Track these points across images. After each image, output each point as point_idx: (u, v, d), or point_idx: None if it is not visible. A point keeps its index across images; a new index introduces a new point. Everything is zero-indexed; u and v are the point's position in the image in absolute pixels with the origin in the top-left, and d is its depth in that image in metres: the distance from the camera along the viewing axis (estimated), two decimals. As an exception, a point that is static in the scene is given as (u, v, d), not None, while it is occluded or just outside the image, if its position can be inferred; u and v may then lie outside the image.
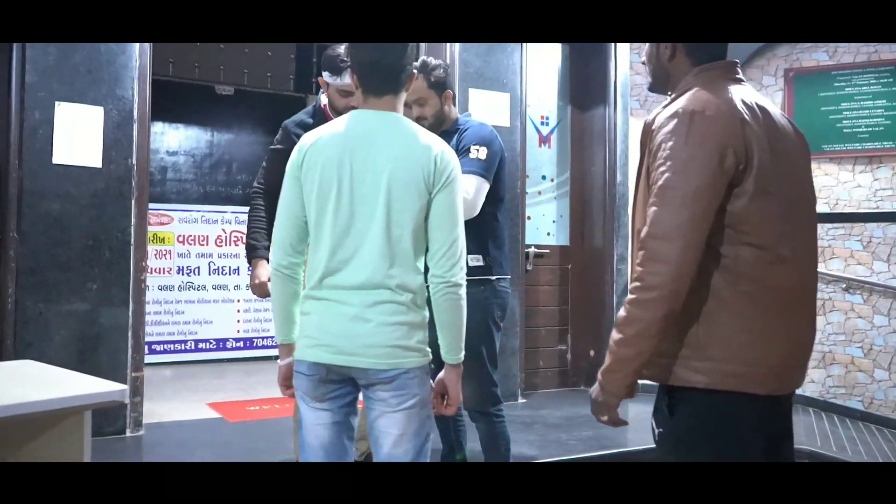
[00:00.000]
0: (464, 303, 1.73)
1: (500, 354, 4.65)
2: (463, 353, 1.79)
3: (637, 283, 1.46)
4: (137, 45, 3.60)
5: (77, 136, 3.45)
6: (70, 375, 1.82)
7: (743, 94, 1.54)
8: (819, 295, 4.00)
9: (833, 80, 4.67)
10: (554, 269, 5.08)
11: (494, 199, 2.59)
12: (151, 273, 5.40)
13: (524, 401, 4.61)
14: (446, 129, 2.66)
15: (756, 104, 1.53)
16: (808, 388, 4.54)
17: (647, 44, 1.68)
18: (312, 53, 6.62)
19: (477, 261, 2.55)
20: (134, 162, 3.59)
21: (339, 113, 2.58)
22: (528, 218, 4.92)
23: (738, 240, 1.46)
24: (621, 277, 4.95)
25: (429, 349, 1.74)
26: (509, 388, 4.53)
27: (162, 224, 5.83)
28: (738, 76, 1.59)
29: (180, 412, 4.15)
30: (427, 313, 1.74)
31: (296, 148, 1.76)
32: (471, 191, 2.48)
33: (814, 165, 3.99)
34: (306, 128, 2.53)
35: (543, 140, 5.07)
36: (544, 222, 5.05)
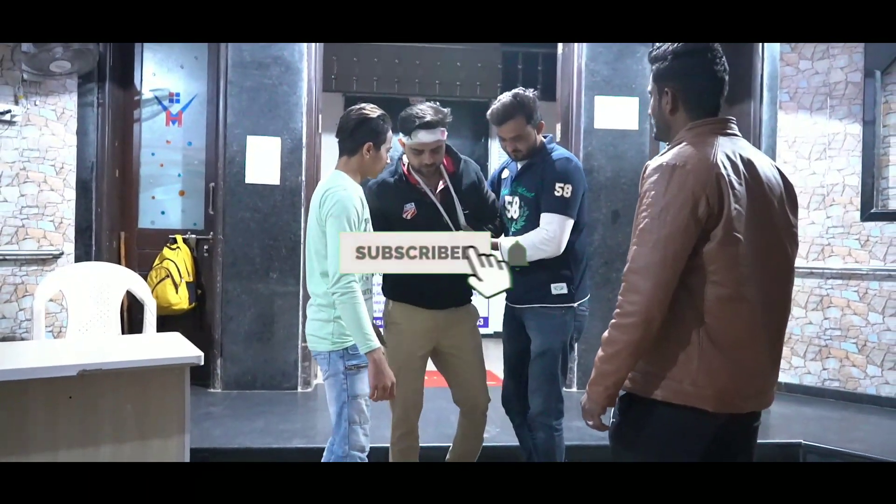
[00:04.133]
0: (345, 306, 2.30)
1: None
2: (367, 345, 2.30)
3: (617, 310, 1.70)
4: (305, 85, 4.56)
5: (262, 161, 4.53)
6: (177, 344, 2.76)
7: (730, 147, 1.72)
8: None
9: None
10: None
11: (576, 230, 2.66)
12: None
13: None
14: (532, 159, 2.72)
15: (741, 157, 1.72)
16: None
17: (652, 98, 1.87)
18: (498, 60, 7.26)
19: (561, 289, 2.65)
20: (303, 178, 4.58)
21: (416, 170, 2.70)
22: (668, 215, 5.08)
23: (706, 279, 1.65)
24: (764, 274, 4.88)
25: (340, 339, 2.39)
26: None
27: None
28: (728, 131, 1.77)
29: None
30: (334, 311, 2.37)
31: None
32: (555, 230, 2.57)
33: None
34: (382, 185, 2.70)
35: (686, 138, 5.14)
36: (685, 219, 5.13)
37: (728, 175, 1.66)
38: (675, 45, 1.81)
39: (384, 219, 2.65)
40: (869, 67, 4.54)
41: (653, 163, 1.73)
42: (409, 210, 2.67)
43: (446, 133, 2.66)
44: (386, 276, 2.79)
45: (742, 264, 1.66)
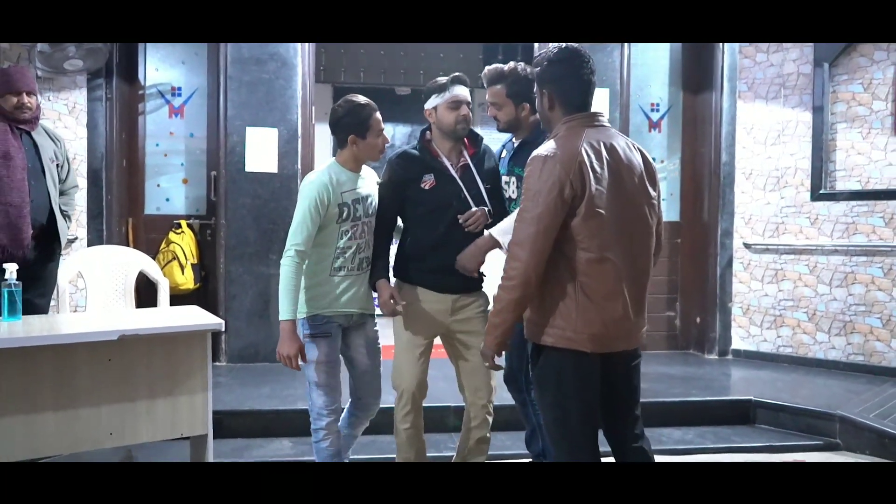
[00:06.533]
0: (281, 273, 2.57)
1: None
2: (281, 313, 2.53)
3: (503, 274, 2.08)
4: (299, 79, 4.90)
5: (260, 151, 4.87)
6: (197, 314, 3.12)
7: (595, 137, 2.08)
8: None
9: (949, 51, 4.56)
10: (664, 242, 5.56)
11: None
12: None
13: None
14: (526, 138, 2.80)
15: (605, 144, 2.08)
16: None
17: (537, 97, 2.20)
18: (479, 51, 7.62)
19: None
20: (299, 166, 4.93)
21: (452, 132, 2.69)
22: (638, 197, 5.50)
23: (576, 246, 2.04)
24: (725, 251, 5.32)
25: (302, 309, 2.63)
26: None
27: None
28: (596, 123, 2.14)
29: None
30: (302, 283, 2.63)
31: None
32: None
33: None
34: (403, 155, 2.73)
35: (654, 125, 5.55)
36: (654, 200, 5.55)
37: (590, 162, 2.03)
38: (550, 52, 2.17)
39: (402, 187, 2.71)
40: (818, 59, 4.96)
41: (532, 154, 2.10)
42: (428, 180, 2.69)
43: None
44: (397, 258, 2.82)
45: (605, 232, 2.04)
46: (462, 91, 2.69)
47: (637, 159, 2.17)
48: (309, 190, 2.61)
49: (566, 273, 2.07)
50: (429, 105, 2.71)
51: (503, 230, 2.53)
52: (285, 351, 2.55)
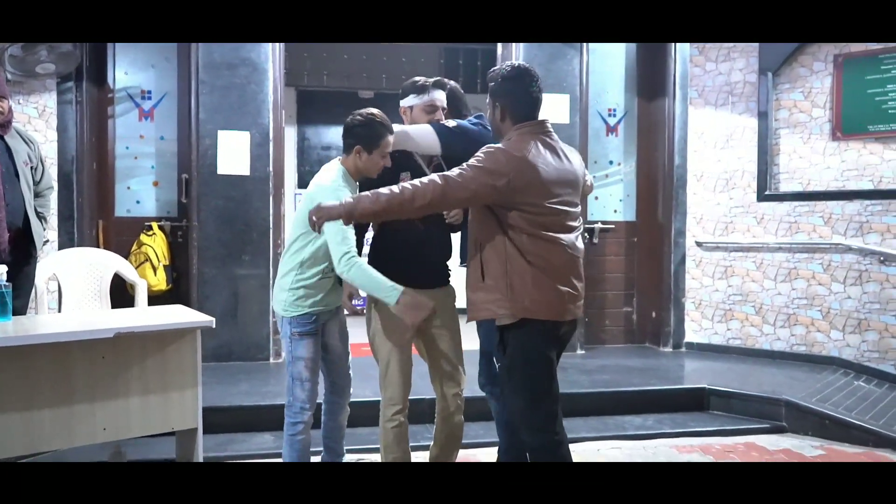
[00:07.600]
0: (357, 277, 2.59)
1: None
2: (394, 295, 2.55)
3: (409, 185, 2.28)
4: (270, 84, 5.01)
5: (232, 154, 4.96)
6: (185, 313, 3.23)
7: (542, 142, 2.35)
8: (857, 266, 4.78)
9: (880, 63, 4.92)
10: (621, 241, 5.86)
11: None
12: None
13: (582, 352, 5.52)
14: None
15: (552, 148, 2.38)
16: (844, 352, 4.97)
17: (489, 109, 2.45)
18: (441, 56, 7.80)
19: None
20: (270, 169, 5.03)
21: None
22: (596, 198, 5.76)
23: (522, 231, 2.33)
24: (678, 249, 5.63)
25: (290, 309, 2.77)
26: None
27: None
28: (544, 131, 2.40)
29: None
30: (290, 282, 2.78)
31: None
32: (411, 128, 2.75)
33: (859, 145, 4.81)
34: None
35: (611, 130, 5.83)
36: (611, 201, 5.84)
37: (535, 163, 2.30)
38: (504, 70, 2.43)
39: (380, 184, 2.66)
40: (763, 69, 5.29)
41: (489, 145, 2.38)
42: (405, 178, 2.74)
43: None
44: (375, 258, 2.85)
45: (557, 223, 2.35)
46: (440, 96, 2.86)
47: (576, 162, 2.47)
48: (335, 196, 2.54)
49: (515, 253, 2.32)
50: (405, 103, 2.86)
51: (409, 131, 2.74)
52: (423, 314, 2.59)
